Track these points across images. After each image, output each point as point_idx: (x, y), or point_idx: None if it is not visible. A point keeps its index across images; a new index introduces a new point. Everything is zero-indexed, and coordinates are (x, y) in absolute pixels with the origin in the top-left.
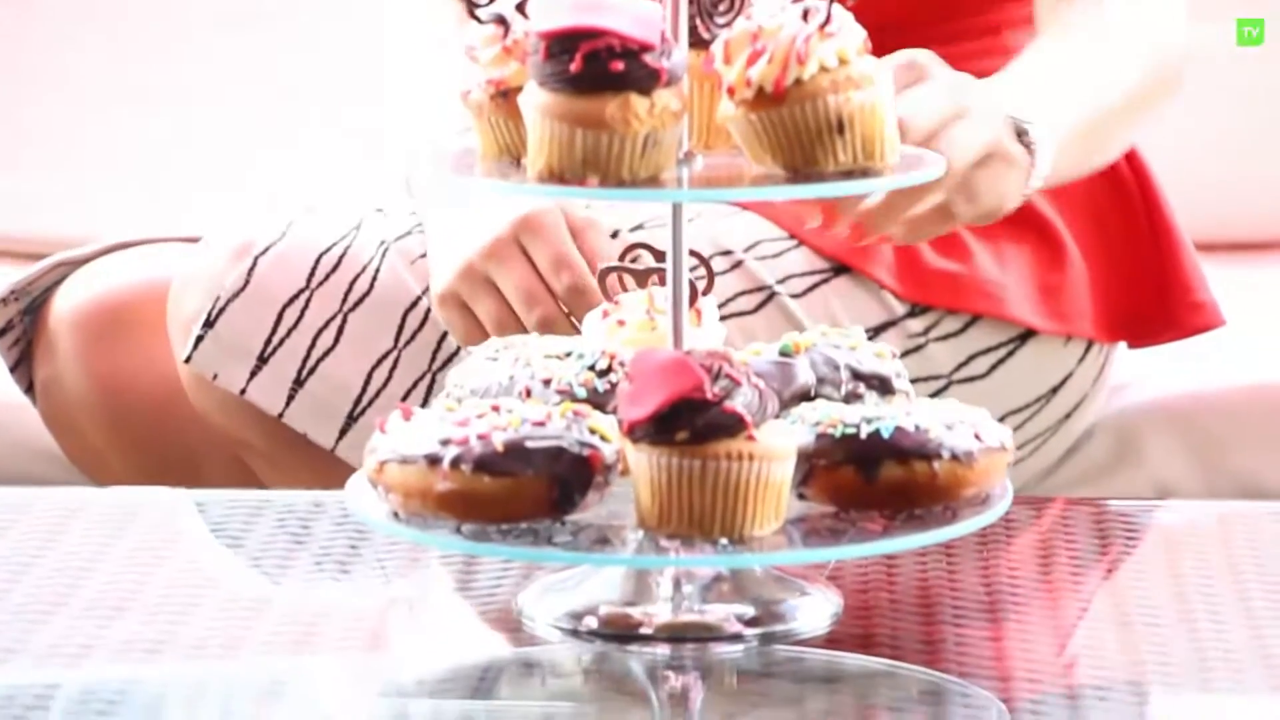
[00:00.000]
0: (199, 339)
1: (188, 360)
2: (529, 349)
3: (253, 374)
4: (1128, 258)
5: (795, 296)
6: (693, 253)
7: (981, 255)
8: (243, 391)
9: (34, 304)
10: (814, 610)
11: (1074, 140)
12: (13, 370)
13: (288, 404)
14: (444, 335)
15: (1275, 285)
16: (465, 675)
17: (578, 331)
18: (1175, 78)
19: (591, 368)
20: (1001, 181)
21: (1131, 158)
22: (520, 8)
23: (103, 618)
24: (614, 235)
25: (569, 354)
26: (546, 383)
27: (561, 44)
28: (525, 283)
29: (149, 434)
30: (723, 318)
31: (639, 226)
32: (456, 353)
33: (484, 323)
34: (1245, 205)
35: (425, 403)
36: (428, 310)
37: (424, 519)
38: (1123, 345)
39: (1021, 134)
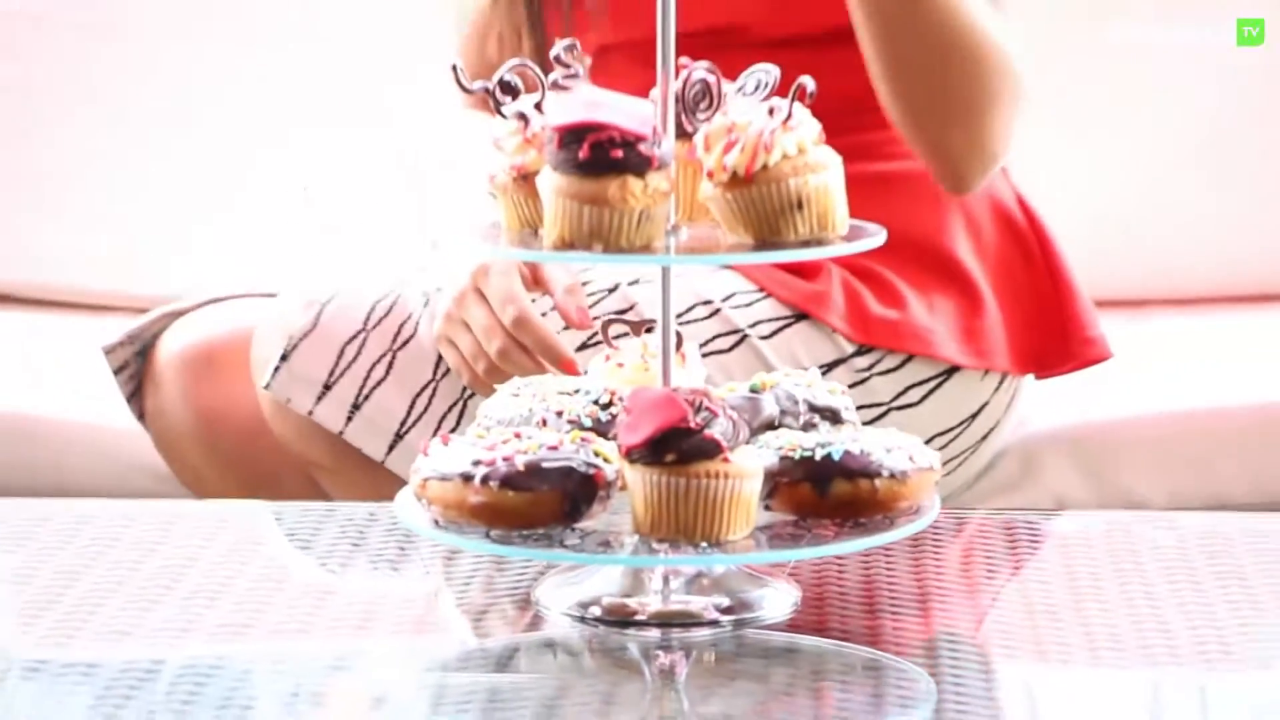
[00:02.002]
0: (276, 370)
1: (266, 387)
2: (545, 387)
3: (319, 399)
4: (1033, 304)
5: (764, 338)
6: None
7: (915, 305)
8: (310, 413)
9: (144, 347)
10: (777, 601)
11: None
12: (128, 401)
13: (347, 423)
14: None
15: (1153, 332)
16: (493, 653)
17: (532, 359)
18: (1016, 79)
19: (596, 402)
20: None
21: (1034, 223)
22: (537, 106)
23: (200, 605)
24: (614, 289)
25: (577, 391)
26: (559, 414)
27: (571, 136)
28: (483, 320)
29: (237, 456)
30: (704, 355)
31: (635, 282)
32: None
33: (464, 356)
34: (1131, 264)
35: (457, 424)
36: None
37: (459, 526)
38: (1030, 378)
39: None
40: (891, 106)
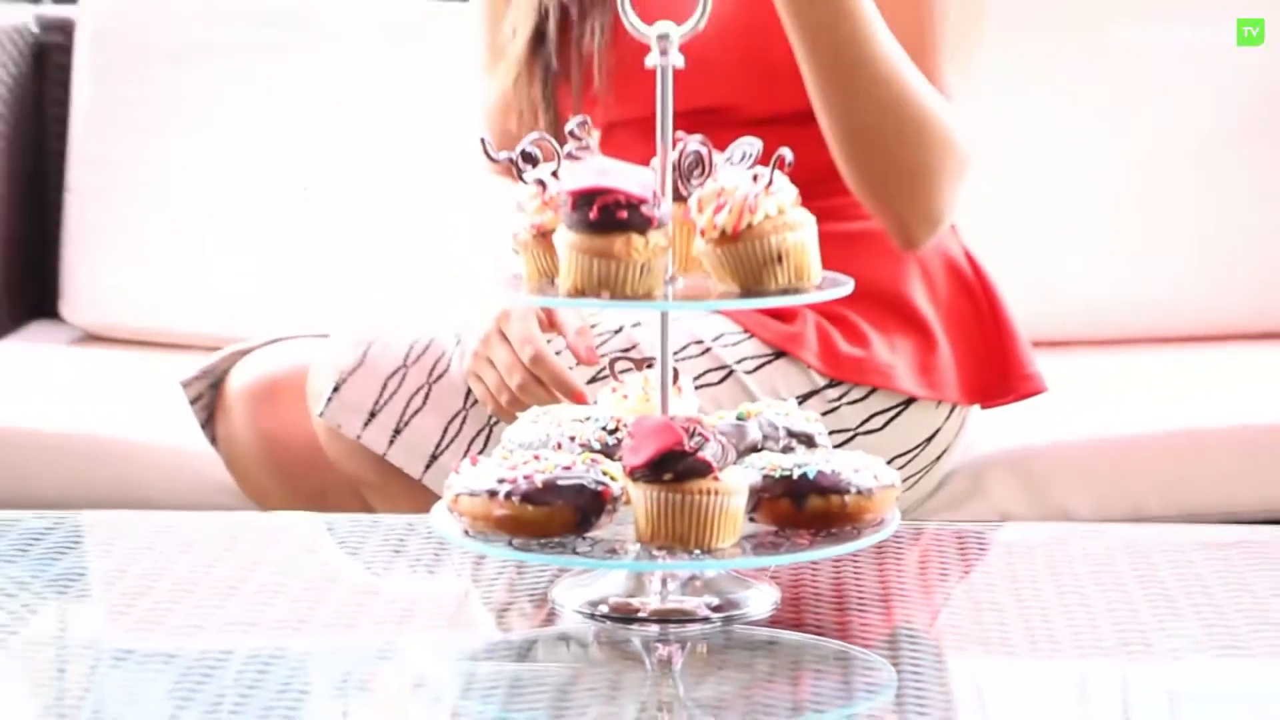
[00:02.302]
0: (328, 401)
1: (320, 415)
2: (560, 415)
3: (365, 425)
4: (979, 345)
5: (748, 373)
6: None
7: (878, 344)
8: (358, 437)
9: (216, 381)
10: (760, 600)
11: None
12: (202, 427)
13: (389, 446)
14: None
15: (1081, 369)
16: (515, 644)
17: (548, 392)
18: (954, 154)
19: (604, 428)
20: None
21: (979, 275)
22: (554, 173)
23: (262, 602)
24: (619, 330)
25: (588, 419)
26: (572, 439)
27: (584, 199)
28: (505, 359)
29: (296, 474)
30: (696, 388)
31: (637, 325)
32: None
33: (490, 389)
34: (1063, 310)
35: (484, 447)
36: None
37: (485, 536)
38: (976, 408)
39: None
40: (848, 175)
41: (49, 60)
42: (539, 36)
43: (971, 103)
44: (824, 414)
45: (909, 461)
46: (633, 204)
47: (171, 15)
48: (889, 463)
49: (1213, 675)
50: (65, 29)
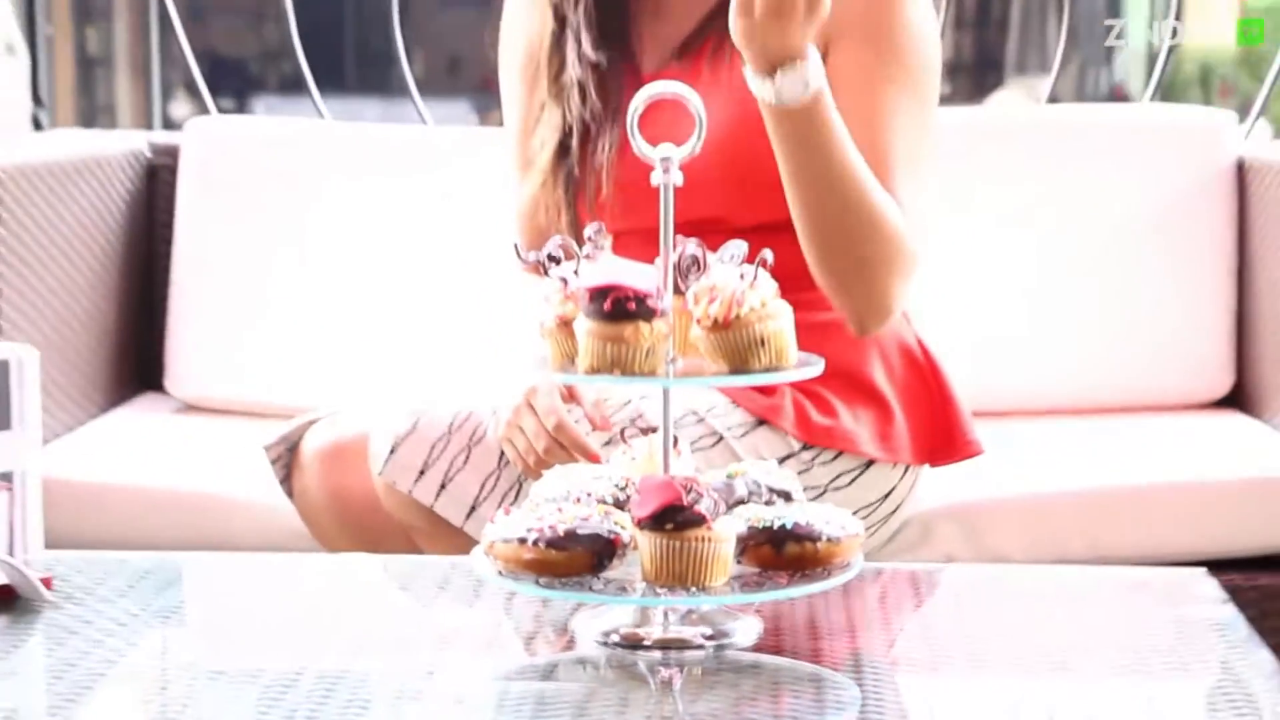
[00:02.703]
0: (386, 461)
1: (379, 474)
2: (578, 474)
3: (416, 481)
4: (928, 415)
5: (736, 439)
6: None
7: (844, 415)
8: (410, 492)
9: (292, 445)
10: (746, 630)
11: (825, 172)
12: (280, 484)
13: (436, 499)
14: None
15: (1014, 435)
16: (541, 666)
17: (568, 454)
18: (905, 253)
19: (616, 485)
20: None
21: (928, 357)
22: (574, 272)
23: (329, 629)
24: (628, 403)
25: (602, 477)
26: (589, 494)
27: (599, 294)
28: (533, 427)
29: (358, 523)
30: (693, 451)
31: (644, 398)
32: None
33: (520, 452)
34: (999, 387)
35: (515, 500)
36: None
37: (516, 575)
38: (926, 468)
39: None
40: (815, 267)
41: (158, 177)
42: (563, 149)
43: (925, 210)
44: (799, 473)
45: (870, 513)
46: (640, 298)
47: (256, 141)
48: (854, 514)
49: (1124, 694)
50: (172, 152)
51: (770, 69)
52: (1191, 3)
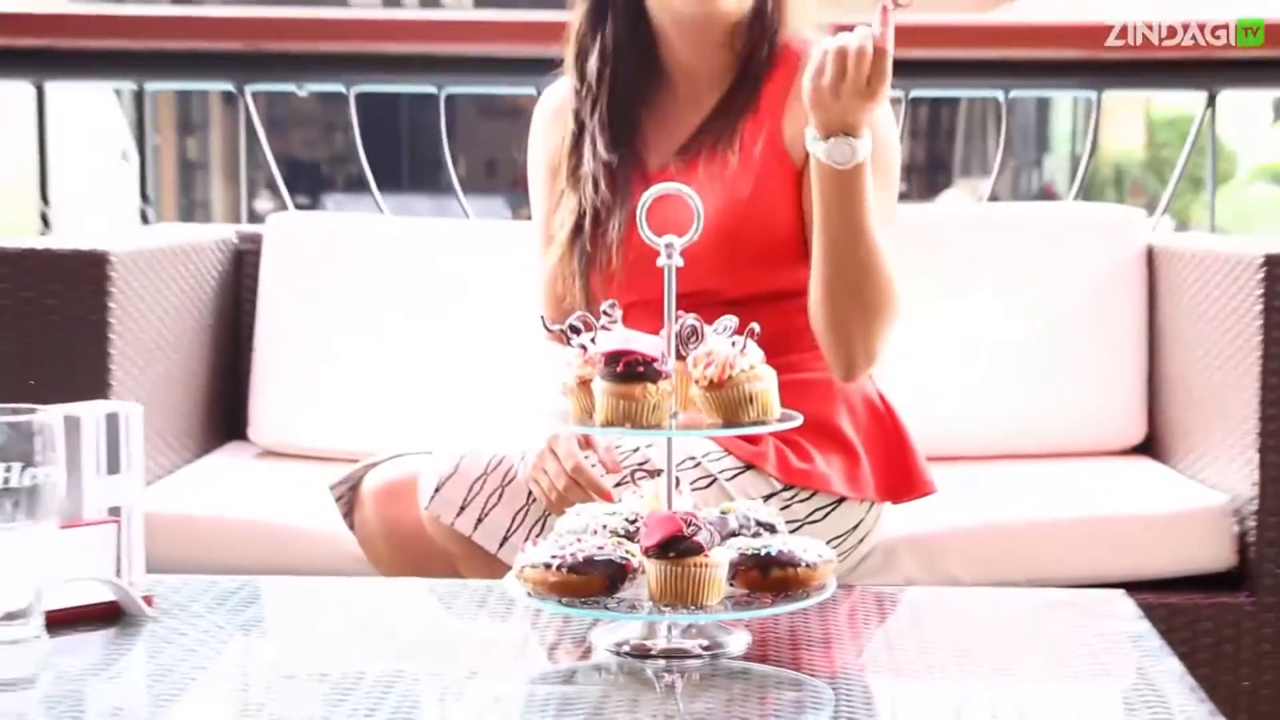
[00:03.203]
0: (431, 498)
1: (426, 509)
2: (594, 510)
3: (457, 515)
4: (889, 460)
5: (727, 480)
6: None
7: (818, 460)
8: (452, 524)
9: (354, 485)
10: (738, 642)
11: (852, 232)
12: (344, 518)
13: (474, 530)
14: None
15: (964, 476)
16: (563, 672)
17: (585, 494)
18: (896, 305)
19: (626, 520)
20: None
21: (889, 409)
22: (592, 340)
23: (381, 640)
24: (636, 450)
25: (614, 513)
26: (604, 527)
27: (613, 358)
28: (555, 469)
29: (409, 551)
30: (692, 491)
31: (650, 445)
32: None
33: (544, 491)
34: (954, 433)
35: (541, 531)
36: None
37: (542, 595)
38: (889, 504)
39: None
40: (822, 313)
41: (245, 261)
42: (578, 229)
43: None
44: (781, 509)
45: (841, 543)
46: (648, 362)
47: (326, 232)
48: (827, 544)
49: (1057, 696)
50: (256, 241)
51: (828, 135)
52: (1108, 117)
